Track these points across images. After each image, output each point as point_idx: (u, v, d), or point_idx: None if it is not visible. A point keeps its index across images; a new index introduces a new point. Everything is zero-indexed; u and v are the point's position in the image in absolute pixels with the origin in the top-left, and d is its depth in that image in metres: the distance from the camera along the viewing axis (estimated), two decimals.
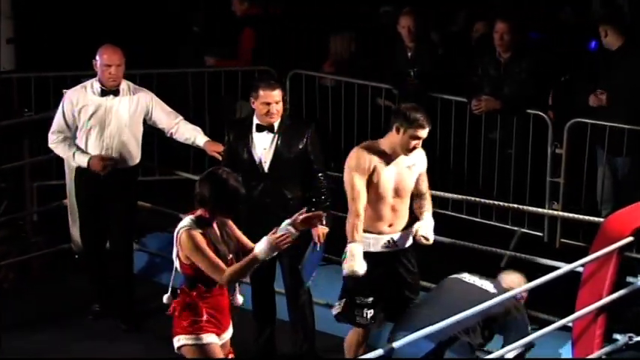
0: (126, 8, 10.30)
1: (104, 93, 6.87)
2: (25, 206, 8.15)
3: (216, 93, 9.15)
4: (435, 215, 6.07)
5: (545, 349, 6.18)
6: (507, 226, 7.86)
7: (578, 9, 10.06)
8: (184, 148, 7.66)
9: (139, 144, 7.03)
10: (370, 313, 5.90)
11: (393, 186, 5.84)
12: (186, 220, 5.06)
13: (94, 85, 6.90)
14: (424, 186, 6.03)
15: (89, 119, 6.84)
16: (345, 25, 9.38)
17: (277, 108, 6.29)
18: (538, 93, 7.97)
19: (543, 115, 7.72)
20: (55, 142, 6.90)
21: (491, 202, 7.34)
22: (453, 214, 7.72)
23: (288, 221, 5.06)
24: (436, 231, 6.00)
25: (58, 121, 6.89)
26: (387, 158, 5.84)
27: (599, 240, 5.83)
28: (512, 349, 5.26)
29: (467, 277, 5.59)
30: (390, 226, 5.89)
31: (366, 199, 5.79)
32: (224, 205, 5.02)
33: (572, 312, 5.73)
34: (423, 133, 5.76)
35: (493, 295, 5.30)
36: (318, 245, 6.21)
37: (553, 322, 5.86)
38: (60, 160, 7.66)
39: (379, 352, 4.57)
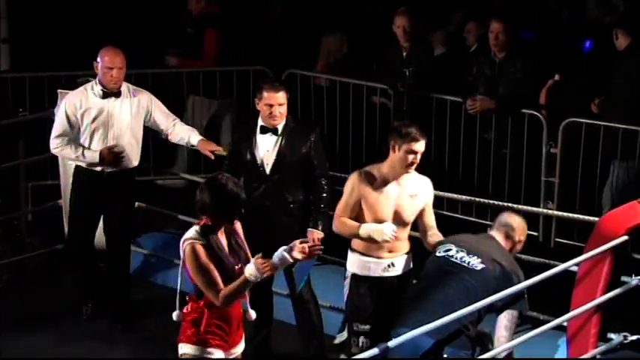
0: (122, 8, 10.29)
1: (106, 95, 6.86)
2: (19, 206, 8.15)
3: (212, 93, 9.16)
4: None
5: (540, 349, 6.20)
6: None
7: (573, 9, 10.08)
8: (180, 149, 7.66)
9: (139, 145, 7.04)
10: (366, 343, 5.84)
11: (392, 211, 5.80)
12: (192, 232, 4.99)
13: (94, 87, 6.89)
14: (431, 220, 5.93)
15: (92, 122, 6.84)
16: (339, 25, 9.40)
17: (280, 110, 6.26)
18: (533, 93, 8.00)
19: (538, 114, 7.74)
20: (60, 145, 6.87)
21: (486, 201, 7.35)
22: (448, 213, 7.73)
23: (285, 247, 4.96)
24: None
25: (61, 125, 6.86)
26: (387, 182, 5.78)
27: (593, 239, 5.84)
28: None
29: (453, 253, 5.39)
30: (390, 252, 5.85)
31: (366, 223, 5.78)
32: (224, 212, 4.96)
33: (567, 311, 5.74)
34: (419, 146, 5.73)
35: (485, 275, 5.17)
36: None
37: (548, 321, 5.87)
38: (54, 160, 7.66)
39: (374, 351, 4.58)
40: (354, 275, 5.88)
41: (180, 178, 8.92)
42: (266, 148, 6.33)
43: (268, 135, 6.33)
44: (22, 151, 8.02)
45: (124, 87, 6.95)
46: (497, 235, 5.58)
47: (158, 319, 7.16)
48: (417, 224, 5.95)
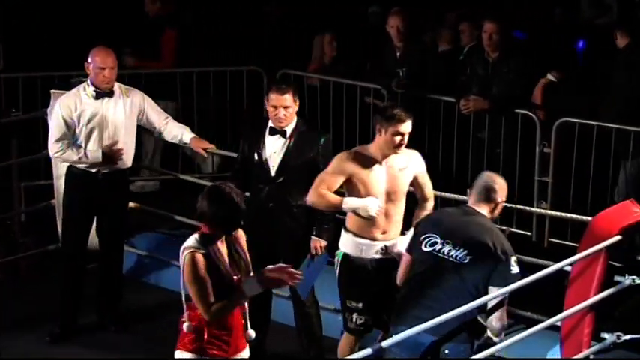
0: (116, 8, 10.29)
1: (99, 95, 6.83)
2: (12, 206, 8.13)
3: (205, 93, 9.17)
4: None
5: (534, 349, 6.20)
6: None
7: (566, 9, 10.10)
8: (174, 149, 7.66)
9: (134, 145, 7.03)
10: (360, 319, 5.90)
11: (384, 189, 5.82)
12: (191, 240, 4.95)
13: (87, 88, 6.86)
14: (427, 191, 5.97)
15: (87, 123, 6.81)
16: (333, 25, 9.41)
17: (285, 113, 6.22)
18: (526, 93, 8.01)
19: (531, 114, 7.75)
20: (61, 149, 6.82)
21: None
22: None
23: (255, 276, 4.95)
24: None
25: (58, 129, 6.82)
26: (374, 162, 5.81)
27: (587, 239, 5.85)
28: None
29: (440, 247, 5.21)
30: (384, 233, 5.86)
31: None
32: (222, 222, 4.92)
33: (561, 311, 5.74)
34: (404, 127, 5.73)
35: (475, 267, 5.14)
36: (315, 259, 6.20)
37: (541, 321, 5.87)
38: (47, 161, 7.65)
39: (367, 351, 4.58)
40: (345, 255, 5.90)
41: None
42: (273, 150, 6.30)
43: (276, 137, 6.30)
44: (15, 151, 8.00)
45: (117, 87, 6.94)
46: (478, 203, 5.33)
47: (151, 319, 7.16)
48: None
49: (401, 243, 5.80)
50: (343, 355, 5.97)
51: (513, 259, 5.12)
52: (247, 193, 6.34)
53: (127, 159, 6.98)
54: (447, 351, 5.12)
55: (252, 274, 5.04)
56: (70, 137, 6.83)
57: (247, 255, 5.11)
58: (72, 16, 10.19)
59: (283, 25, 10.07)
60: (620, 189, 7.66)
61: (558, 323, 5.86)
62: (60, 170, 7.31)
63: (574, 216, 6.84)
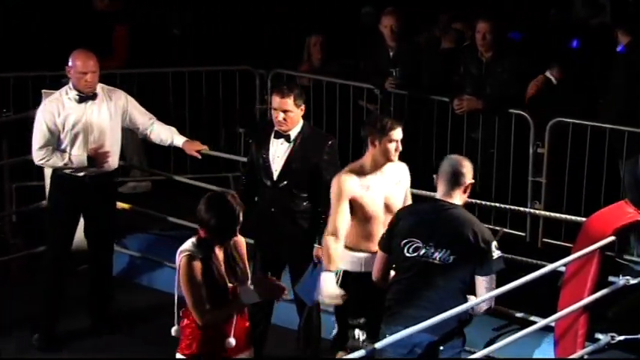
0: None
1: (82, 99, 6.78)
2: (3, 207, 8.12)
3: (198, 94, 9.18)
4: None
5: (528, 350, 6.21)
6: (489, 226, 7.84)
7: (560, 9, 10.13)
8: (165, 149, 7.66)
9: (119, 147, 7.01)
10: (362, 335, 5.86)
11: (383, 202, 5.80)
12: (189, 243, 4.95)
13: (69, 92, 6.80)
14: (408, 203, 5.95)
15: (72, 128, 6.77)
16: (325, 25, 9.42)
17: (285, 116, 6.16)
18: (520, 93, 8.03)
19: (525, 114, 7.77)
20: (45, 156, 6.77)
21: (473, 201, 7.35)
22: None
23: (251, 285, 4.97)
24: None
25: (42, 135, 6.77)
26: (372, 176, 5.78)
27: (581, 239, 5.87)
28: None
29: (424, 251, 5.19)
30: None
31: (357, 219, 5.77)
32: (218, 230, 4.92)
33: (555, 312, 5.76)
34: (398, 133, 5.74)
35: (460, 265, 5.15)
36: (319, 266, 6.19)
37: (535, 322, 5.90)
38: None
39: (361, 352, 4.59)
40: (346, 272, 5.88)
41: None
42: (277, 154, 6.26)
43: (281, 140, 6.25)
44: (6, 152, 7.99)
45: (99, 89, 6.87)
46: (449, 191, 5.29)
47: (146, 322, 7.16)
48: None
49: None
50: None
51: (494, 244, 5.16)
52: (257, 198, 6.37)
53: (113, 161, 6.95)
54: (441, 347, 5.15)
55: (249, 281, 5.05)
56: (54, 143, 6.77)
57: (245, 262, 5.10)
58: (62, 15, 10.16)
59: (277, 24, 10.08)
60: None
61: (552, 324, 5.88)
62: (51, 171, 7.29)
63: (568, 216, 6.85)
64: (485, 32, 7.83)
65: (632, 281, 5.74)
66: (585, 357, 5.83)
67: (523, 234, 7.80)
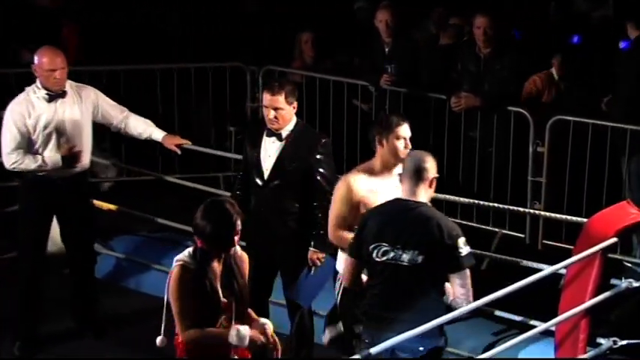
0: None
1: (52, 98, 6.70)
2: None
3: (187, 90, 9.16)
4: None
5: (527, 355, 6.20)
6: (488, 227, 7.88)
7: (560, 2, 10.13)
8: (152, 148, 7.63)
9: (90, 144, 6.95)
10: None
11: None
12: (185, 253, 4.88)
13: (37, 91, 6.71)
14: None
15: (44, 129, 6.69)
16: (318, 21, 9.41)
17: (276, 114, 6.11)
18: (519, 90, 8.02)
19: (525, 112, 7.75)
20: (18, 160, 6.67)
21: (471, 201, 7.35)
22: None
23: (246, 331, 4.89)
24: None
25: (12, 139, 6.66)
26: (380, 178, 5.73)
27: (582, 241, 5.85)
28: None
29: (392, 254, 5.16)
30: None
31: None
32: (215, 239, 4.84)
33: (555, 316, 5.74)
34: (405, 130, 5.70)
35: (430, 263, 5.14)
36: (314, 271, 6.17)
37: (535, 326, 5.88)
38: None
39: (356, 357, 4.58)
40: None
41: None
42: (268, 153, 6.22)
43: (273, 139, 6.22)
44: None
45: (68, 86, 6.78)
46: (414, 188, 5.26)
47: (133, 326, 7.13)
48: None
49: None
50: None
51: (461, 240, 5.14)
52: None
53: (86, 159, 6.90)
54: (421, 348, 5.14)
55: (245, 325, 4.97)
56: (25, 145, 6.67)
57: (246, 278, 5.01)
58: (54, 11, 10.13)
59: (268, 20, 10.06)
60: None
61: (553, 328, 5.87)
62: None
63: (569, 217, 6.84)
64: (486, 27, 7.80)
65: (635, 284, 5.74)
66: None
67: (522, 235, 7.78)
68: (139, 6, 10.03)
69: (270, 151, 6.22)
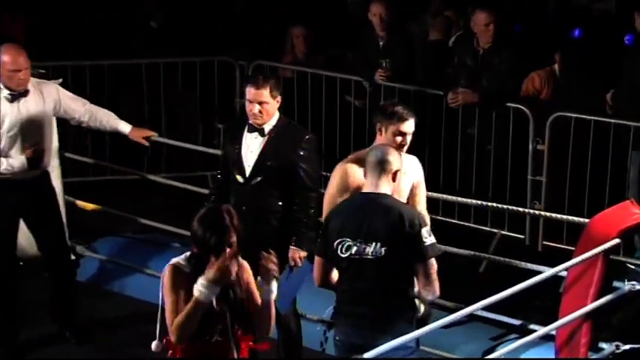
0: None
1: (14, 98, 6.62)
2: None
3: (174, 85, 9.15)
4: None
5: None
6: (486, 228, 7.88)
7: None
8: (137, 146, 7.60)
9: (53, 142, 6.89)
10: None
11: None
12: (180, 257, 4.84)
13: None
14: (417, 200, 5.81)
15: (9, 130, 6.62)
16: (309, 16, 9.42)
17: (260, 109, 6.06)
18: (518, 86, 8.01)
19: (524, 108, 7.75)
20: None
21: (469, 201, 7.34)
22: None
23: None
24: None
25: None
26: None
27: (583, 242, 5.83)
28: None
29: (356, 249, 5.18)
30: None
31: None
32: (204, 244, 4.78)
33: (556, 319, 5.73)
34: (407, 126, 5.65)
35: (393, 254, 5.13)
36: (294, 271, 6.15)
37: (535, 330, 5.88)
38: None
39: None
40: None
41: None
42: (250, 149, 6.18)
43: (255, 135, 6.17)
44: None
45: (29, 84, 6.69)
46: (377, 181, 5.29)
47: (117, 330, 7.10)
48: None
49: None
50: None
51: (425, 230, 5.13)
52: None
53: (50, 157, 6.86)
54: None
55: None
56: None
57: (249, 288, 4.96)
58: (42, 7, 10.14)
59: (259, 14, 10.07)
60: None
61: (553, 333, 5.86)
62: None
63: (570, 218, 6.83)
64: (489, 22, 7.78)
65: (638, 287, 5.73)
66: None
67: (522, 236, 7.79)
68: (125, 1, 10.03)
69: (252, 147, 6.18)
